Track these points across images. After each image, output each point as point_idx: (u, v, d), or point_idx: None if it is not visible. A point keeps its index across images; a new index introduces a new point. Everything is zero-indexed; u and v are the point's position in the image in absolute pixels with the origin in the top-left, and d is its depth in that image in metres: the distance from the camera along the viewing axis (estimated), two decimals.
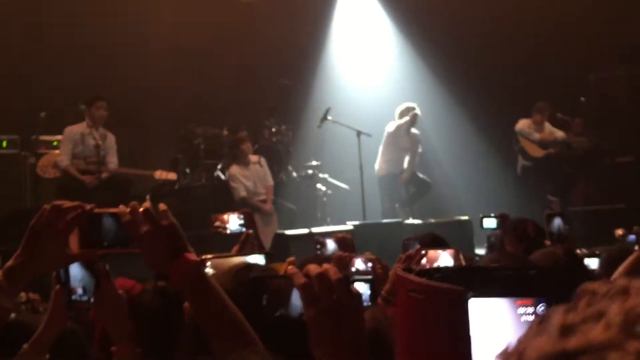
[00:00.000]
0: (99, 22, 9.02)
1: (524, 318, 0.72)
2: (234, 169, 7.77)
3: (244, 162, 7.79)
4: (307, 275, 1.06)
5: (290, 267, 1.11)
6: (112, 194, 6.15)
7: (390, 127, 8.28)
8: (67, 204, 1.45)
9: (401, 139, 8.27)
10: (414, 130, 8.36)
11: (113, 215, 1.45)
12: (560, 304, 0.69)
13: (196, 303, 1.34)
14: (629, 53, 9.11)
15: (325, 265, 1.08)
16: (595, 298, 0.50)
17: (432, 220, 7.87)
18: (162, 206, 1.43)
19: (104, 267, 1.72)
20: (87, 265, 1.70)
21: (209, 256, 2.15)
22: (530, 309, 0.72)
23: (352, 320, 0.78)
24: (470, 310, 0.69)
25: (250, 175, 7.80)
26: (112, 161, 7.04)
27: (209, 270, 1.99)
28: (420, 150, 8.52)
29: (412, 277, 0.69)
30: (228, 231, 3.18)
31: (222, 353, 1.29)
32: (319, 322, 1.04)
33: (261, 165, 7.89)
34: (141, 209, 1.39)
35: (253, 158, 7.89)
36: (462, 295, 0.65)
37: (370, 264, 3.31)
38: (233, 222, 3.19)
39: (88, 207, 1.46)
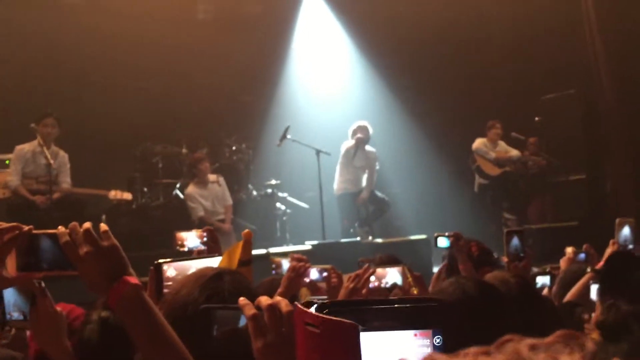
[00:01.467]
0: (54, 38, 8.87)
1: (421, 350, 0.72)
2: (192, 189, 7.71)
3: (202, 182, 7.73)
4: (257, 307, 1.05)
5: (241, 298, 1.10)
6: (65, 214, 5.99)
7: (344, 147, 8.32)
8: (2, 225, 1.40)
9: (356, 158, 8.31)
10: (369, 148, 8.41)
11: (52, 236, 1.41)
12: (455, 335, 0.70)
13: (134, 327, 1.31)
14: (581, 75, 9.38)
15: (277, 298, 1.07)
16: None
17: (391, 240, 7.92)
18: (103, 227, 1.40)
19: (40, 284, 1.67)
20: (23, 285, 1.65)
21: (168, 260, 2.11)
22: (427, 341, 0.73)
23: None
24: (368, 342, 0.70)
25: (208, 195, 7.74)
26: (65, 181, 6.87)
27: (171, 273, 1.95)
28: (377, 167, 8.57)
29: (307, 310, 0.69)
30: (186, 248, 3.16)
31: None
32: (266, 354, 1.02)
33: (219, 185, 7.84)
34: (81, 230, 1.35)
35: (211, 177, 7.84)
36: (355, 329, 0.66)
37: (325, 274, 3.32)
38: (191, 239, 3.17)
39: (25, 228, 1.41)
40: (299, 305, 0.71)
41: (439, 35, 9.71)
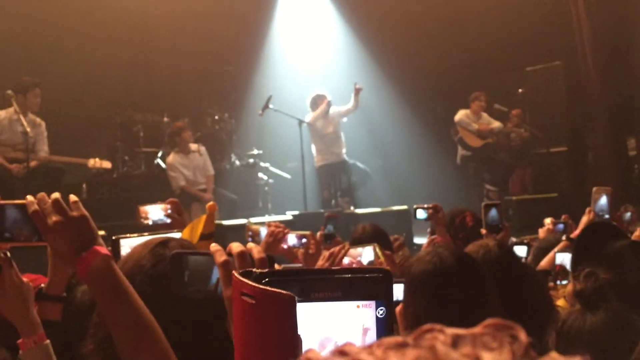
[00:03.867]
0: (31, 6, 8.68)
1: (364, 321, 0.71)
2: (173, 158, 7.65)
3: (184, 151, 7.67)
4: (229, 254, 1.02)
5: (213, 244, 1.07)
6: (43, 183, 5.89)
7: (307, 119, 8.19)
8: None
9: (323, 128, 8.25)
10: (330, 111, 8.29)
11: (19, 206, 1.38)
12: (395, 306, 0.70)
13: (102, 298, 1.30)
14: (565, 47, 9.37)
15: (250, 244, 1.04)
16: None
17: (372, 210, 7.94)
18: (72, 197, 1.38)
19: (5, 254, 1.64)
20: None
21: (126, 235, 2.08)
22: (370, 312, 0.72)
23: None
24: (309, 313, 0.69)
25: (189, 164, 7.69)
26: (43, 149, 6.72)
27: (125, 250, 1.92)
28: (345, 119, 8.51)
29: (244, 280, 0.67)
30: (150, 222, 3.11)
31: (125, 354, 1.25)
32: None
33: (201, 154, 7.78)
34: (50, 200, 1.33)
35: (193, 147, 7.77)
36: (291, 300, 0.64)
37: (304, 240, 3.32)
38: (154, 212, 3.12)
39: None
40: (236, 275, 0.69)
41: (423, 6, 9.63)
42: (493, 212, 3.60)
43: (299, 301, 0.65)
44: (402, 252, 4.06)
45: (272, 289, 0.65)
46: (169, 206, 2.89)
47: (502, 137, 9.31)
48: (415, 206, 3.76)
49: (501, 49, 9.47)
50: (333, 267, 0.74)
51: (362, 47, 10.09)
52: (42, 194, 1.36)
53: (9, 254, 1.64)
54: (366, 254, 2.93)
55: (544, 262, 3.23)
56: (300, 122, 7.94)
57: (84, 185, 7.87)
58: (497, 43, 9.47)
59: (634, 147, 9.16)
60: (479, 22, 9.51)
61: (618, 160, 9.10)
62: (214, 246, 1.05)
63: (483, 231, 3.58)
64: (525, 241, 4.06)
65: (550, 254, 3.24)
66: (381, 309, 0.73)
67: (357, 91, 8.23)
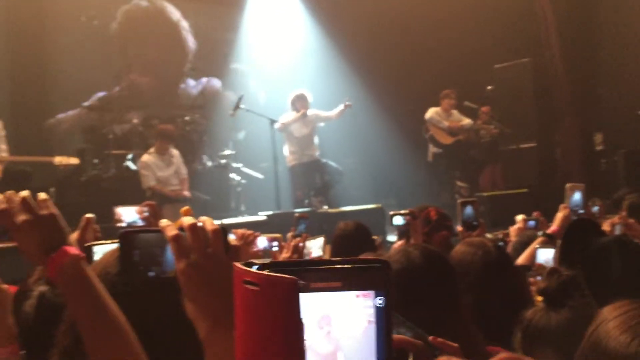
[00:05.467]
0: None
1: (364, 311, 0.74)
2: (148, 157, 7.52)
3: (160, 152, 7.57)
4: (180, 228, 1.00)
5: (162, 220, 1.04)
6: (9, 188, 5.74)
7: (282, 120, 8.13)
8: None
9: (298, 130, 8.25)
10: (309, 112, 8.25)
11: None
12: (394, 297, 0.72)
13: (72, 300, 1.26)
14: (533, 45, 9.51)
15: (202, 217, 1.03)
16: None
17: (345, 209, 7.95)
18: (41, 195, 1.34)
19: None
20: None
21: (98, 243, 2.03)
22: (369, 302, 0.74)
23: (228, 273, 0.76)
24: (309, 303, 0.71)
25: (163, 166, 7.60)
26: (2, 149, 6.49)
27: (98, 257, 1.88)
28: (322, 124, 8.51)
29: (247, 269, 0.68)
30: (124, 224, 3.08)
31: (96, 358, 1.22)
32: (190, 275, 0.98)
33: (174, 158, 7.70)
34: (19, 198, 1.29)
35: (172, 152, 7.70)
36: (294, 284, 0.66)
37: (275, 243, 3.33)
38: (128, 215, 3.10)
39: None
40: (238, 265, 0.70)
41: (393, 5, 9.68)
42: (469, 210, 3.63)
43: (299, 291, 0.67)
44: (379, 252, 4.07)
45: (276, 275, 0.66)
46: (145, 208, 2.84)
47: (472, 134, 9.41)
48: (391, 212, 3.77)
49: (470, 46, 9.57)
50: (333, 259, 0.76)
51: (332, 46, 10.10)
52: (10, 192, 1.31)
53: None
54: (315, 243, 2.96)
55: (522, 258, 3.26)
56: (272, 121, 7.90)
57: (52, 189, 7.72)
58: (466, 41, 9.56)
59: (601, 142, 9.33)
60: (449, 20, 9.60)
61: (585, 155, 9.27)
62: (163, 221, 1.03)
63: (459, 228, 3.61)
64: (500, 236, 4.11)
65: (529, 249, 3.27)
66: (380, 299, 0.74)
67: (346, 107, 8.26)
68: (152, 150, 7.61)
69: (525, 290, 2.27)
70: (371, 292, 0.74)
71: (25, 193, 1.30)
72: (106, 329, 1.23)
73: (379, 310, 0.74)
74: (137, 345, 1.23)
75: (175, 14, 9.96)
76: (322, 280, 0.72)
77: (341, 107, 8.35)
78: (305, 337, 0.68)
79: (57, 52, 8.77)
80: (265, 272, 0.67)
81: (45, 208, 1.30)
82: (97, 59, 9.01)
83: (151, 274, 1.13)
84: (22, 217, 1.27)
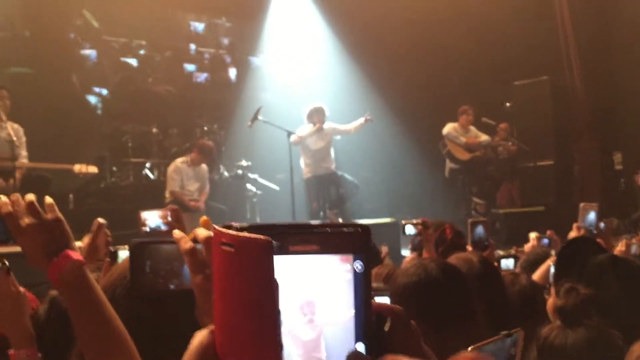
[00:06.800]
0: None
1: (343, 275, 0.74)
2: (179, 164, 7.70)
3: (194, 164, 7.74)
4: (194, 240, 0.97)
5: (175, 231, 1.02)
6: (28, 193, 5.77)
7: (299, 132, 8.14)
8: None
9: (314, 143, 8.26)
10: (325, 126, 8.26)
11: None
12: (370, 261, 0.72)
13: (71, 305, 1.26)
14: (552, 63, 9.47)
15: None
16: None
17: (360, 222, 7.92)
18: (48, 199, 1.34)
19: (3, 262, 1.61)
20: None
21: (120, 247, 2.07)
22: (348, 266, 0.74)
23: None
24: (289, 265, 0.71)
25: (192, 176, 7.74)
26: (22, 154, 6.53)
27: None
28: (338, 137, 8.55)
29: (224, 230, 0.68)
30: (147, 228, 3.11)
31: None
32: (205, 289, 0.94)
33: (202, 171, 7.85)
34: (25, 202, 1.30)
35: (203, 166, 7.85)
36: (269, 243, 0.65)
37: None
38: (153, 219, 3.12)
39: None
40: (217, 227, 0.70)
41: (413, 20, 9.71)
42: (479, 229, 3.60)
43: (277, 253, 0.66)
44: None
45: (250, 235, 0.66)
46: (168, 213, 2.87)
47: (489, 150, 9.37)
48: (403, 222, 3.73)
49: (489, 63, 9.56)
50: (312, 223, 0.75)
51: (351, 61, 10.13)
52: (16, 195, 1.31)
53: (6, 262, 1.61)
54: None
55: (537, 276, 3.23)
56: (289, 133, 7.93)
57: (71, 196, 7.81)
58: (486, 57, 9.56)
59: (620, 161, 9.25)
60: (468, 36, 9.60)
61: (604, 174, 9.19)
62: (177, 233, 1.00)
63: (469, 248, 3.58)
64: (512, 253, 4.08)
65: (544, 267, 3.24)
66: (359, 263, 0.74)
67: (366, 121, 8.28)
68: (185, 159, 7.71)
69: (522, 301, 2.25)
70: (349, 257, 0.73)
71: (30, 197, 1.30)
72: (102, 337, 1.23)
73: (357, 275, 0.74)
74: (135, 354, 1.22)
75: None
76: (300, 243, 0.71)
77: (361, 120, 8.35)
78: (286, 322, 0.67)
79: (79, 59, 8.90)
80: (240, 234, 0.67)
81: (50, 212, 1.30)
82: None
83: (170, 287, 1.12)
84: (27, 221, 1.27)
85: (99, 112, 9.35)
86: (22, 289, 1.66)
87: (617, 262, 2.33)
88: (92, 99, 9.32)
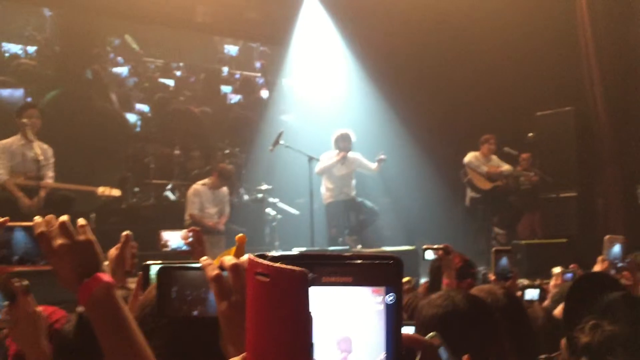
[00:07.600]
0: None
1: (375, 307, 0.74)
2: (201, 186, 7.75)
3: (214, 187, 7.78)
4: (220, 267, 0.98)
5: (203, 258, 1.03)
6: (52, 212, 5.85)
7: (324, 157, 8.19)
8: None
9: (337, 170, 8.27)
10: (350, 154, 8.32)
11: (27, 228, 1.38)
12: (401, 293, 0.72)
13: (99, 327, 1.27)
14: (576, 93, 9.42)
15: (243, 257, 1.00)
16: None
17: (378, 250, 7.90)
18: (81, 221, 1.36)
19: (21, 283, 1.63)
20: (1, 283, 1.61)
21: (157, 262, 2.08)
22: (380, 298, 0.73)
23: None
24: (322, 297, 0.70)
25: (213, 200, 7.78)
26: (49, 175, 6.63)
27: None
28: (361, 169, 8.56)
29: (259, 260, 0.68)
30: (169, 249, 3.14)
31: None
32: (231, 317, 0.96)
33: (222, 194, 7.89)
34: (57, 223, 1.32)
35: (223, 190, 7.89)
36: (304, 275, 0.65)
37: None
38: (174, 239, 3.14)
39: (1, 220, 1.39)
40: (252, 256, 0.70)
41: (435, 48, 9.74)
42: (504, 261, 3.54)
43: (311, 284, 0.66)
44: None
45: (286, 266, 0.66)
46: (190, 234, 2.90)
47: (511, 180, 9.29)
48: (424, 247, 3.68)
49: (512, 93, 9.53)
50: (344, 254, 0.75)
51: (373, 88, 10.18)
52: (50, 216, 1.33)
53: (27, 282, 1.63)
54: None
55: (559, 310, 3.17)
56: (310, 158, 7.96)
57: (93, 215, 7.88)
58: (508, 87, 9.53)
59: None
60: (491, 65, 9.60)
61: (628, 207, 9.05)
62: (204, 260, 1.01)
63: (491, 277, 3.52)
64: (536, 284, 4.01)
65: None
66: (391, 295, 0.74)
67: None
68: (206, 181, 7.77)
69: (548, 337, 2.21)
70: (382, 289, 0.73)
71: (64, 218, 1.32)
72: (128, 355, 1.23)
73: (388, 307, 0.74)
74: None
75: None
76: (333, 275, 0.71)
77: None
78: (319, 357, 0.67)
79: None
80: (276, 264, 0.67)
81: (83, 234, 1.32)
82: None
83: (195, 313, 1.12)
84: (59, 242, 1.29)
85: (138, 129, 9.53)
86: (39, 308, 1.67)
87: (629, 301, 2.27)
88: (131, 117, 9.49)
